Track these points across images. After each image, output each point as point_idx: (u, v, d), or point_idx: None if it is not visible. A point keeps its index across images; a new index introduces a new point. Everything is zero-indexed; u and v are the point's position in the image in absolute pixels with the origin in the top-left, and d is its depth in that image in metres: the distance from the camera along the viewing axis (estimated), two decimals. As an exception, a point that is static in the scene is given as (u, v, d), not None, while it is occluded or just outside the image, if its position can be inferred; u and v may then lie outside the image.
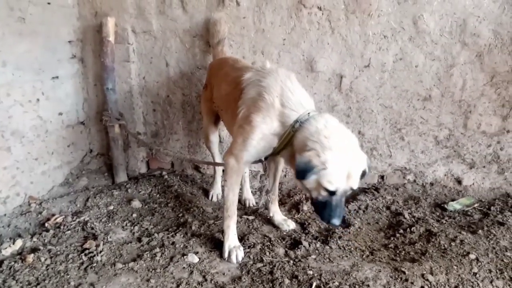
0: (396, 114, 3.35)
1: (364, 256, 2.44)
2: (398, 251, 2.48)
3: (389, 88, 3.30)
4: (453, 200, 3.19)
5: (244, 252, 2.46)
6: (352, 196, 3.25)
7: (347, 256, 2.44)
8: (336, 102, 3.43)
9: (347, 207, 3.03)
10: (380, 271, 2.22)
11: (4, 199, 2.98)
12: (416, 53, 3.17)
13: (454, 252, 2.41)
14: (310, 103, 2.36)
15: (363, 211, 3.04)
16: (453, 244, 2.50)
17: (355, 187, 2.12)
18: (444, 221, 2.83)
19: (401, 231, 2.70)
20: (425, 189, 3.38)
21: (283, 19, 3.28)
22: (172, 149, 3.85)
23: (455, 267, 2.26)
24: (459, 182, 3.44)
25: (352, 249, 2.52)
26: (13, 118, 3.01)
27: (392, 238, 2.64)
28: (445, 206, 3.06)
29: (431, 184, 3.44)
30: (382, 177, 3.54)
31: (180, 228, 2.76)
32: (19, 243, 2.56)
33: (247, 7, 3.32)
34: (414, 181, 3.48)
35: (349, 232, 2.72)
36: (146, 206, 3.16)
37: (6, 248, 2.50)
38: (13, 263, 2.35)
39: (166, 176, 3.75)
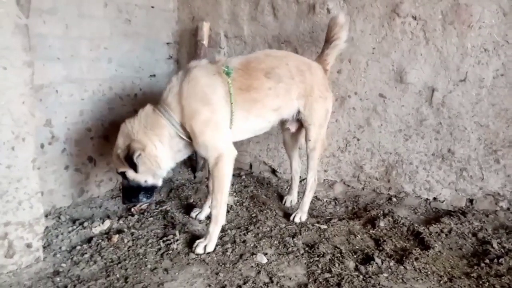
0: (492, 134, 3.08)
1: (441, 282, 2.27)
2: (481, 282, 2.27)
3: (487, 106, 3.05)
4: (554, 235, 2.84)
5: (313, 261, 2.44)
6: (435, 218, 3.06)
7: (422, 279, 2.29)
8: (425, 116, 3.25)
9: (428, 228, 2.85)
10: (458, 300, 2.05)
11: (99, 182, 3.30)
12: (521, 69, 2.90)
13: (549, 292, 2.15)
14: None
15: (446, 234, 2.84)
16: (548, 283, 2.23)
17: None
18: (540, 257, 2.53)
19: (487, 261, 2.47)
20: (521, 219, 3.05)
21: (374, 27, 3.20)
22: (251, 151, 3.95)
23: (549, 308, 2.01)
24: None
25: (429, 273, 2.36)
26: (113, 110, 3.31)
27: (475, 267, 2.43)
28: (544, 240, 2.73)
29: (529, 214, 3.10)
30: (471, 201, 3.27)
31: (252, 228, 2.82)
32: (107, 223, 2.81)
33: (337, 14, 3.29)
34: (508, 209, 3.16)
35: (428, 255, 2.55)
36: (231, 205, 3.27)
37: (96, 227, 2.76)
38: (100, 241, 2.59)
39: (244, 177, 3.86)
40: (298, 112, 2.90)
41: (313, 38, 3.46)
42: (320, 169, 3.62)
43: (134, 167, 2.50)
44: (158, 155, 2.57)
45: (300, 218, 3.01)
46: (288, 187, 3.54)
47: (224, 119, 2.55)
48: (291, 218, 3.02)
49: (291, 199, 3.38)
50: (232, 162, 2.58)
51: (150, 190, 2.72)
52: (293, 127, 3.10)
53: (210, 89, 2.52)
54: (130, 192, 2.69)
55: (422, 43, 3.13)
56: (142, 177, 2.63)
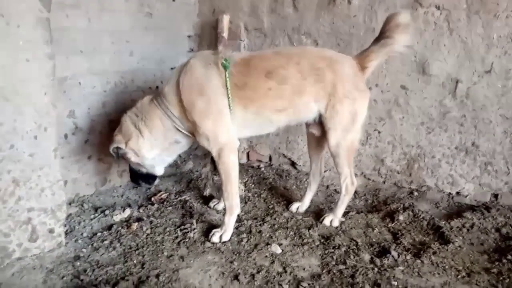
0: (519, 127, 2.98)
1: (459, 277, 2.22)
2: (501, 278, 2.20)
3: (513, 98, 2.94)
4: None
5: (328, 253, 2.43)
6: (457, 212, 2.99)
7: (439, 274, 2.25)
8: (448, 109, 3.17)
9: (449, 223, 2.79)
10: (475, 295, 2.01)
11: (121, 172, 3.39)
12: (550, 59, 2.78)
13: None
14: None
15: (468, 229, 2.76)
16: None
17: None
18: None
19: (510, 257, 2.39)
20: (548, 216, 2.94)
21: (396, 18, 3.13)
22: (271, 143, 3.96)
23: None
24: None
25: (447, 267, 2.31)
26: (135, 101, 3.36)
27: (496, 263, 2.36)
28: None
29: (557, 211, 2.98)
30: (495, 195, 3.17)
31: (269, 219, 2.83)
32: (127, 212, 2.89)
33: (358, 5, 3.26)
34: (535, 204, 3.05)
35: (447, 250, 2.50)
36: (241, 194, 3.29)
37: (117, 215, 2.83)
38: (120, 228, 2.66)
39: (263, 169, 3.87)
40: (320, 114, 2.64)
41: (333, 29, 3.42)
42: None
43: (116, 155, 2.70)
44: (143, 147, 2.66)
45: (331, 222, 2.79)
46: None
47: (223, 110, 2.51)
48: (321, 218, 2.83)
49: (298, 205, 3.04)
50: (235, 153, 2.57)
51: (148, 177, 2.91)
52: (317, 131, 2.77)
53: (204, 79, 2.50)
54: (132, 175, 2.97)
55: (445, 33, 3.05)
56: (135, 166, 2.82)
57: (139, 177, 2.91)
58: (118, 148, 2.66)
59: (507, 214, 2.95)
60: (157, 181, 3.02)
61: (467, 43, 3.00)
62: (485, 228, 2.78)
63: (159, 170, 2.88)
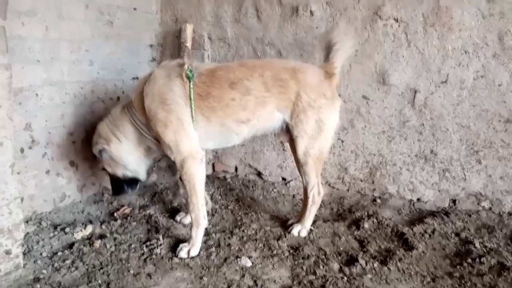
0: (473, 135, 3.13)
1: (424, 282, 2.29)
2: (463, 281, 2.29)
3: (468, 107, 3.09)
4: (534, 233, 2.89)
5: (297, 263, 2.44)
6: (419, 219, 3.09)
7: (406, 280, 2.31)
8: (408, 118, 3.28)
9: (411, 229, 2.88)
10: (441, 300, 2.07)
11: (81, 187, 3.25)
12: (500, 71, 2.94)
13: (529, 290, 2.18)
14: None
15: (429, 235, 2.85)
16: (528, 281, 2.26)
17: None
18: (521, 256, 2.57)
19: (470, 260, 2.50)
20: (502, 219, 3.09)
21: (357, 30, 3.23)
22: (236, 154, 3.94)
23: (529, 306, 2.04)
24: (543, 214, 3.11)
25: (413, 273, 2.37)
26: (95, 113, 3.26)
27: (458, 267, 2.45)
28: (524, 239, 2.78)
29: (509, 214, 3.15)
30: (453, 201, 3.31)
31: (237, 231, 2.80)
32: (89, 229, 2.77)
33: (320, 17, 3.32)
34: (490, 208, 3.21)
35: (411, 256, 2.57)
36: (207, 207, 3.25)
37: (78, 232, 2.71)
38: (82, 246, 2.55)
39: (229, 180, 3.84)
40: (287, 123, 2.66)
41: (296, 40, 3.47)
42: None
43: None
44: (124, 150, 2.73)
45: (299, 233, 2.78)
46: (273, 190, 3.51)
47: (185, 120, 2.51)
48: (289, 228, 2.81)
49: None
50: (199, 164, 2.56)
51: (131, 182, 2.91)
52: (284, 139, 2.86)
53: (166, 88, 2.52)
54: (114, 184, 2.93)
55: (404, 45, 3.17)
56: (118, 170, 2.82)
57: (124, 182, 2.88)
58: (103, 149, 2.70)
59: (465, 219, 3.09)
60: (138, 186, 3.02)
61: (424, 55, 3.13)
62: (445, 233, 2.89)
63: (142, 174, 2.92)
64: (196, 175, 2.54)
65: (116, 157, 2.75)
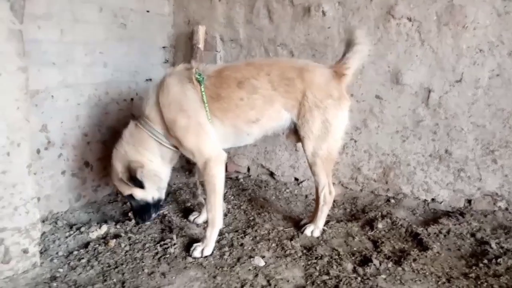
0: (489, 134, 3.08)
1: (439, 283, 2.26)
2: (479, 282, 2.26)
3: (483, 106, 3.05)
4: (552, 234, 2.83)
5: (311, 264, 2.43)
6: (434, 219, 3.05)
7: (420, 280, 2.28)
8: (422, 117, 3.25)
9: (426, 229, 2.85)
10: (456, 301, 2.04)
11: (96, 187, 3.29)
12: (516, 69, 2.90)
13: (547, 292, 2.14)
14: None
15: (444, 235, 2.83)
16: (547, 282, 2.22)
17: None
18: (539, 257, 2.52)
19: (486, 261, 2.46)
20: (519, 219, 3.05)
21: (370, 29, 3.21)
22: (249, 154, 3.94)
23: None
24: (561, 215, 3.05)
25: (427, 273, 2.35)
26: (109, 115, 3.31)
27: (474, 268, 2.42)
28: (542, 240, 2.73)
29: (527, 214, 3.10)
30: (469, 201, 3.27)
31: (250, 231, 2.81)
32: (104, 228, 2.80)
33: (332, 17, 3.32)
34: (506, 209, 3.15)
35: (426, 256, 2.55)
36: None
37: (93, 232, 2.74)
38: (97, 245, 2.58)
39: (242, 180, 3.86)
40: (294, 123, 2.67)
41: (308, 40, 3.47)
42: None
43: (140, 185, 2.56)
44: (156, 168, 2.65)
45: (312, 233, 2.78)
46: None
47: (205, 123, 2.53)
48: (302, 229, 2.82)
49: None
50: (221, 165, 2.56)
51: (157, 204, 2.79)
52: (292, 139, 2.85)
53: (181, 95, 2.52)
54: (141, 211, 2.73)
55: (417, 44, 3.14)
56: (149, 194, 2.68)
57: (151, 207, 2.73)
58: (142, 174, 2.56)
59: (480, 219, 3.05)
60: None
61: (438, 54, 3.10)
62: (460, 233, 2.85)
63: (164, 193, 2.85)
64: (218, 176, 2.54)
65: (155, 177, 2.66)
